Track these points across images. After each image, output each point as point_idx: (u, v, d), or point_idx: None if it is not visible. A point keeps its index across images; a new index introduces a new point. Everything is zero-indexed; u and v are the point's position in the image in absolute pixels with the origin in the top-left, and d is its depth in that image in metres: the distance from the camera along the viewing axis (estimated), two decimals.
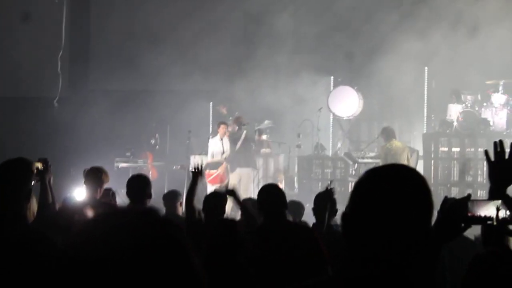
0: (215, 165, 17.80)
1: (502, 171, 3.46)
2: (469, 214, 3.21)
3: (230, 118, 18.69)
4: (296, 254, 6.83)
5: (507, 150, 3.60)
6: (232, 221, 6.85)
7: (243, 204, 8.38)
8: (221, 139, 17.89)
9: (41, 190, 6.74)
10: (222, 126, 17.95)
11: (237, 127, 17.90)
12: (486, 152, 3.57)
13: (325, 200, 8.23)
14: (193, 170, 8.62)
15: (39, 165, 6.68)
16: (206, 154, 18.30)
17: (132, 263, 1.69)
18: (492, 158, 3.56)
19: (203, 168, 9.08)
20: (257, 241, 6.94)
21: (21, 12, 21.42)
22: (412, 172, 2.52)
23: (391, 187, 2.42)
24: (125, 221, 1.76)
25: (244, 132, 17.88)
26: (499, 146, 3.53)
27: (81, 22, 22.15)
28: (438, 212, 3.22)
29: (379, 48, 19.03)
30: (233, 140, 17.80)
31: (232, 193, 8.43)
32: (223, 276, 5.99)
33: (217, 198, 8.21)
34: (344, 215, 2.46)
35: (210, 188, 16.39)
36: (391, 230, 2.37)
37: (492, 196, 3.42)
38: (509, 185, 3.38)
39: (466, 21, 18.28)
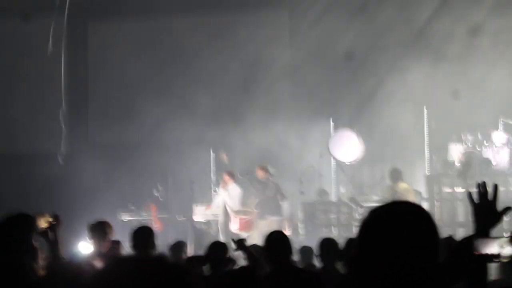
0: (244, 213, 17.89)
1: (486, 212, 3.42)
2: (476, 253, 3.20)
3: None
4: None
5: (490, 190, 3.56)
6: (249, 270, 6.82)
7: (252, 254, 8.32)
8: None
9: (51, 244, 6.73)
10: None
11: (263, 174, 17.96)
12: (469, 194, 3.53)
13: (331, 245, 8.27)
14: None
15: (48, 220, 6.68)
16: (208, 203, 18.40)
17: None
18: (476, 200, 3.52)
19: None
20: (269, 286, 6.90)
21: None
22: (416, 207, 2.50)
23: (397, 224, 2.40)
24: (136, 267, 1.75)
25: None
26: (481, 187, 3.49)
27: (78, 76, 22.22)
28: (447, 252, 3.19)
29: (377, 90, 19.12)
30: (263, 186, 17.85)
31: (242, 244, 8.35)
32: None
33: (222, 247, 8.17)
34: (352, 257, 2.44)
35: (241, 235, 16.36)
36: (400, 267, 2.34)
37: (476, 237, 3.38)
38: (494, 225, 3.33)
39: (465, 60, 18.40)
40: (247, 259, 8.31)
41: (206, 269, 8.12)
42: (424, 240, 2.40)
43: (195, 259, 8.40)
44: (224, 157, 19.95)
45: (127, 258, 1.84)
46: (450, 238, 8.52)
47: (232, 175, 18.28)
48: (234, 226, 17.93)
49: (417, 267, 2.36)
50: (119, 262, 1.83)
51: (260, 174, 17.99)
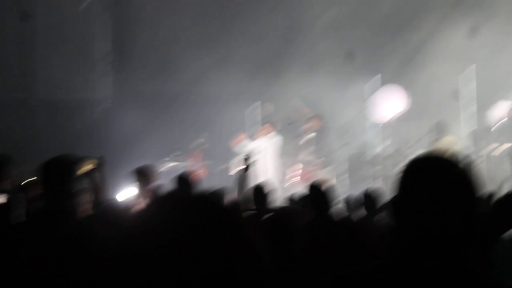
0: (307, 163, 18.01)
1: None
2: None
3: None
4: (345, 249, 6.86)
5: None
6: (286, 213, 6.87)
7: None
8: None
9: (97, 186, 6.84)
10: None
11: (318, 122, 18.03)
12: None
13: (376, 196, 8.33)
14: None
15: (94, 161, 6.81)
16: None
17: (195, 244, 1.68)
18: None
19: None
20: (308, 234, 6.96)
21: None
22: (456, 159, 2.54)
23: (439, 172, 2.45)
24: (182, 204, 1.75)
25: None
26: None
27: (121, 25, 22.25)
28: (494, 203, 3.21)
29: (424, 46, 18.94)
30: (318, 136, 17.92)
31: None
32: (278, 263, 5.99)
33: (263, 189, 8.25)
34: (394, 202, 2.47)
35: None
36: (441, 213, 2.38)
37: None
38: None
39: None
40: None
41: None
42: (461, 190, 2.43)
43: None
44: (269, 107, 19.95)
45: (168, 196, 1.82)
46: (493, 194, 8.49)
47: (274, 125, 18.28)
48: (294, 176, 17.96)
49: (454, 215, 2.39)
50: (164, 199, 1.82)
51: (315, 123, 18.05)
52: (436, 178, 2.43)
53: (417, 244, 2.39)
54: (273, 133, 18.14)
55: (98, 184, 6.96)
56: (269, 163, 17.93)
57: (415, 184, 2.45)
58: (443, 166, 2.47)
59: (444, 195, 2.40)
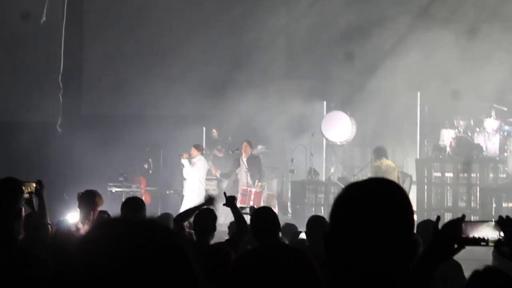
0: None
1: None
2: (463, 236, 3.20)
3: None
4: (290, 276, 6.79)
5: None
6: (224, 248, 6.86)
7: (240, 214, 8.41)
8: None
9: (38, 210, 6.77)
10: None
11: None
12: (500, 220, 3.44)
13: (319, 223, 8.29)
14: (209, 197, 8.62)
15: (33, 185, 6.74)
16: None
17: (134, 272, 1.68)
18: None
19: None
20: (250, 263, 6.91)
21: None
22: (390, 183, 2.44)
23: (370, 200, 2.33)
24: (123, 228, 1.74)
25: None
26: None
27: (74, 47, 22.13)
28: (432, 233, 3.18)
29: (372, 73, 19.13)
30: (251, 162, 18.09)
31: (232, 202, 8.44)
32: None
33: (209, 215, 8.18)
34: (326, 234, 2.35)
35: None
36: (374, 244, 2.28)
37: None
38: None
39: (460, 46, 18.39)
40: (235, 219, 8.37)
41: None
42: (396, 217, 2.33)
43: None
44: (215, 133, 20.04)
45: (115, 220, 1.81)
46: (437, 220, 8.55)
47: (200, 148, 18.52)
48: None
49: (391, 242, 2.30)
50: (106, 224, 1.81)
51: (246, 149, 18.17)
52: (365, 208, 2.31)
53: (348, 280, 2.31)
54: (198, 157, 18.27)
55: (40, 206, 6.89)
56: (195, 185, 18.10)
57: (344, 216, 2.34)
58: (374, 194, 2.36)
59: (377, 224, 2.29)
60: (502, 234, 3.26)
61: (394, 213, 2.32)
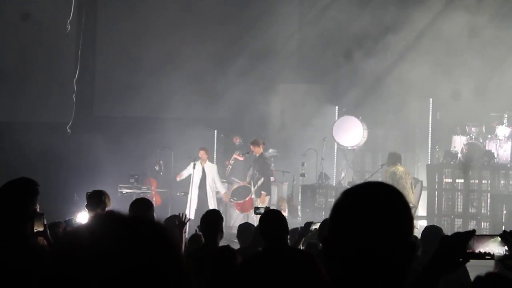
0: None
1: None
2: (469, 251, 3.18)
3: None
4: (298, 279, 6.78)
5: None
6: (230, 249, 6.85)
7: None
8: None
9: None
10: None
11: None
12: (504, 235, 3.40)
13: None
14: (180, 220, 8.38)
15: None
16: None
17: (116, 262, 1.69)
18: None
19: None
20: (258, 266, 6.90)
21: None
22: (387, 187, 2.41)
23: (368, 204, 2.31)
24: (114, 222, 1.75)
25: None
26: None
27: (87, 48, 22.21)
28: (439, 244, 3.17)
29: (384, 78, 19.12)
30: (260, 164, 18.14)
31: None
32: None
33: (216, 216, 8.17)
34: (324, 237, 2.34)
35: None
36: (372, 248, 2.27)
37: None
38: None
39: (472, 54, 18.33)
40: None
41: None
42: (393, 221, 2.31)
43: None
44: (237, 139, 20.03)
45: (105, 214, 1.83)
46: (440, 229, 8.53)
47: (208, 152, 18.67)
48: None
49: (385, 248, 2.28)
50: (95, 218, 1.83)
51: (255, 149, 18.20)
52: (363, 212, 2.29)
53: (345, 284, 2.29)
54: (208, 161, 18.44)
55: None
56: (208, 189, 18.31)
57: (342, 220, 2.33)
58: (371, 197, 2.34)
59: (375, 228, 2.28)
60: (507, 248, 3.26)
61: (391, 217, 2.31)
